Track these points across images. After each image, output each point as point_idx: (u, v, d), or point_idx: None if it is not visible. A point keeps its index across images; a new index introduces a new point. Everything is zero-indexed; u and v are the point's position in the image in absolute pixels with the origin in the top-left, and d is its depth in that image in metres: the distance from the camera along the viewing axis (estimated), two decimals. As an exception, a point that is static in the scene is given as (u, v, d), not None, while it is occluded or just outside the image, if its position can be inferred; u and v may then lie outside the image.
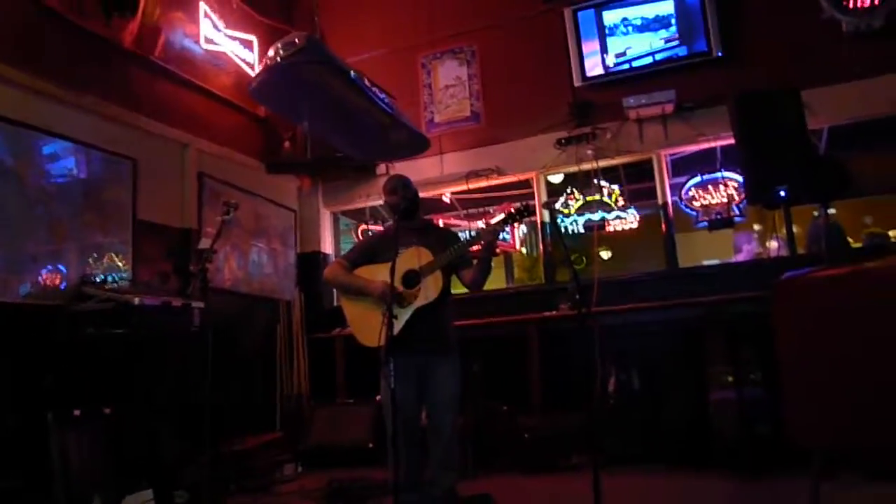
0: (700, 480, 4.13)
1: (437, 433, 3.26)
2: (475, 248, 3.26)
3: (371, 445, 5.24)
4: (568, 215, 6.09)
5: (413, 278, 3.17)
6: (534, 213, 3.33)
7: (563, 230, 6.07)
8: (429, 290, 3.15)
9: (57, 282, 4.07)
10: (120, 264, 4.57)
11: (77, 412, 3.73)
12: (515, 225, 6.77)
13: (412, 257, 3.20)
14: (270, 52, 3.98)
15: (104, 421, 3.85)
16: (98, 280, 4.17)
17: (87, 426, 3.78)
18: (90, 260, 4.36)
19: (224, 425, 4.98)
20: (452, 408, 3.28)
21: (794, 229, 4.75)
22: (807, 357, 2.21)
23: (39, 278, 3.98)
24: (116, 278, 4.42)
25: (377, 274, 3.25)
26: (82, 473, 3.67)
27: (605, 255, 8.59)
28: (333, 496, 4.26)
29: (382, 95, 4.25)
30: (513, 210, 3.13)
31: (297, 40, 3.76)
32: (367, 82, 4.05)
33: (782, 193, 3.75)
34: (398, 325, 3.00)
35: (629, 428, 4.85)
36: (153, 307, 3.82)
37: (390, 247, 3.16)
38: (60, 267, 4.13)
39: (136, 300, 3.74)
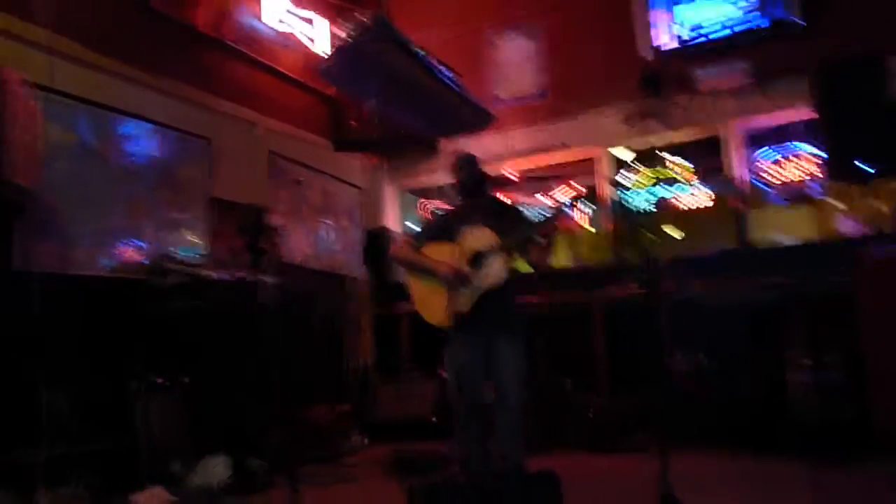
0: (774, 465, 4.01)
1: (504, 408, 3.26)
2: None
3: (434, 420, 5.32)
4: (636, 192, 5.97)
5: (479, 259, 3.16)
6: (591, 200, 3.28)
7: (630, 207, 5.95)
8: (494, 273, 3.13)
9: (137, 257, 4.27)
10: (195, 240, 4.75)
11: (159, 381, 3.95)
12: (580, 203, 6.66)
13: (478, 238, 3.19)
14: (341, 34, 4.02)
15: (183, 390, 4.06)
16: (176, 256, 4.36)
17: (167, 395, 3.99)
18: (168, 236, 4.54)
19: (295, 396, 5.16)
20: (518, 384, 3.27)
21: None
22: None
23: (121, 253, 4.18)
24: (193, 253, 4.62)
25: (443, 253, 3.25)
26: (163, 438, 3.89)
27: (677, 235, 8.36)
28: (399, 467, 4.34)
29: (448, 73, 4.23)
30: (577, 195, 3.10)
31: (365, 20, 3.79)
32: (433, 60, 4.04)
33: (866, 168, 3.56)
34: (465, 305, 3.01)
35: (698, 409, 4.74)
36: (228, 282, 3.97)
37: (456, 225, 3.17)
38: (139, 242, 4.33)
39: (214, 275, 3.89)
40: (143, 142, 4.43)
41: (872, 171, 3.61)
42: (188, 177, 4.73)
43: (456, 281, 2.86)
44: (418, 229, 3.71)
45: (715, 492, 3.53)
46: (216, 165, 4.92)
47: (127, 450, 3.69)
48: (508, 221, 3.29)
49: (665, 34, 5.67)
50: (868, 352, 2.12)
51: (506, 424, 3.25)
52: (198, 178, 4.81)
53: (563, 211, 3.12)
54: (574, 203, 3.13)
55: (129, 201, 4.27)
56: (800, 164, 5.30)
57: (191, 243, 4.70)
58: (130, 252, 4.28)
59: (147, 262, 4.29)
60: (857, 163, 3.67)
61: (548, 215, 3.16)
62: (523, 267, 3.51)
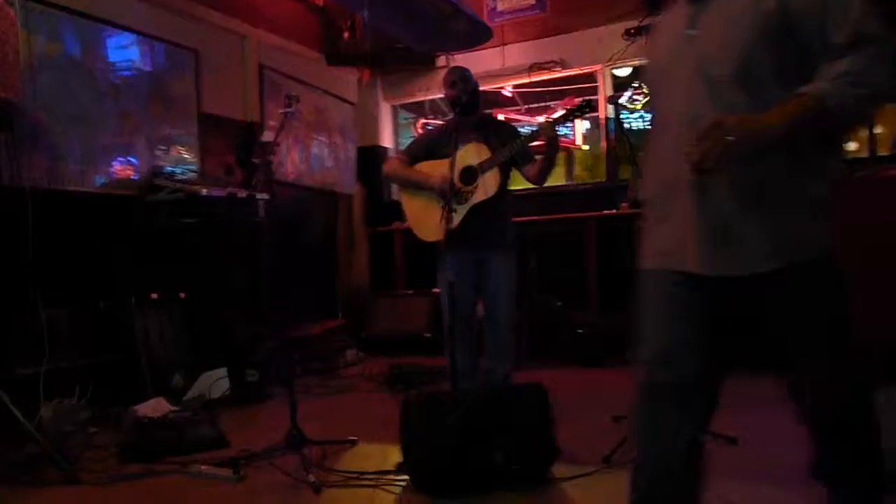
0: (751, 379, 4.12)
1: (493, 323, 3.33)
2: (537, 143, 3.20)
3: (428, 335, 5.44)
4: (634, 111, 5.88)
5: (471, 174, 3.16)
6: (595, 110, 3.21)
7: (627, 126, 5.88)
8: (487, 186, 3.14)
9: (129, 173, 4.23)
10: (187, 156, 4.70)
11: (155, 296, 4.00)
12: (577, 120, 6.57)
13: (471, 153, 3.18)
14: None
15: (179, 304, 4.13)
16: (168, 172, 4.32)
17: (164, 309, 4.06)
18: (158, 152, 4.49)
19: (290, 311, 5.25)
20: (508, 300, 3.33)
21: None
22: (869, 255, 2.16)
23: (112, 169, 4.14)
24: (184, 170, 4.58)
25: (436, 169, 3.24)
26: (162, 352, 3.98)
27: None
28: (394, 380, 4.49)
29: (443, -18, 4.08)
30: (574, 106, 3.04)
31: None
32: (427, -32, 3.89)
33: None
34: (456, 220, 3.01)
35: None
36: (220, 198, 3.96)
37: (449, 142, 3.13)
38: (131, 159, 4.28)
39: (204, 191, 3.87)
40: (130, 54, 4.29)
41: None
42: (178, 91, 4.62)
43: (448, 193, 2.84)
44: (411, 145, 3.67)
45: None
46: (205, 79, 4.80)
47: (127, 364, 3.78)
48: (502, 137, 3.27)
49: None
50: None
51: (494, 339, 3.34)
52: (188, 92, 4.70)
53: (556, 128, 3.07)
54: (576, 114, 3.08)
55: (119, 116, 4.19)
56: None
57: (183, 160, 4.65)
58: (121, 168, 4.23)
59: (137, 178, 4.27)
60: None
61: (541, 130, 3.12)
62: (518, 184, 3.50)
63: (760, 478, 2.52)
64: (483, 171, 3.13)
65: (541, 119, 6.64)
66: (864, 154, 4.54)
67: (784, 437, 2.96)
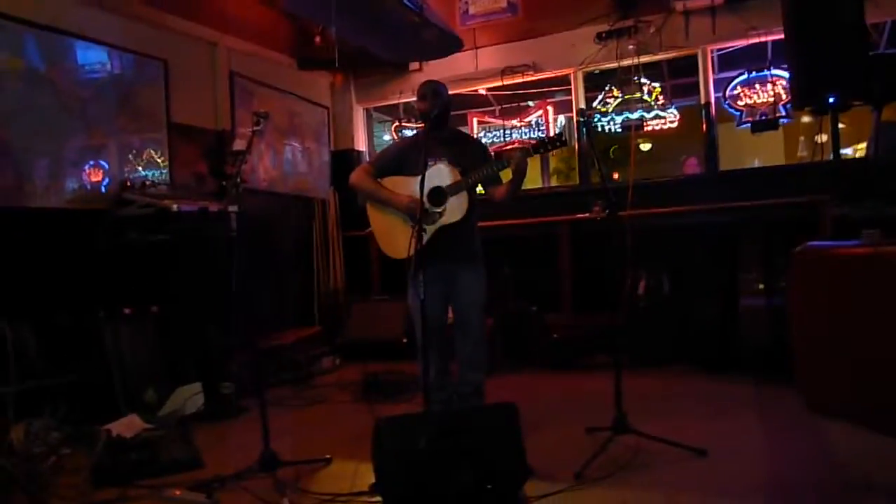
0: (724, 384, 4.23)
1: (465, 334, 3.36)
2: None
3: (405, 341, 5.45)
4: (606, 114, 5.93)
5: (440, 196, 3.16)
6: (567, 144, 3.25)
7: (600, 129, 5.93)
8: (454, 209, 3.15)
9: (100, 177, 4.17)
10: (159, 160, 4.65)
11: (127, 310, 3.97)
12: (552, 120, 6.61)
13: (440, 173, 3.18)
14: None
15: (152, 319, 4.09)
16: (137, 185, 4.28)
17: (136, 323, 4.02)
18: (130, 156, 4.43)
19: (265, 321, 5.24)
20: (478, 311, 3.36)
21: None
22: (817, 324, 2.25)
23: (83, 174, 4.08)
24: (156, 175, 4.53)
25: (403, 187, 3.25)
26: (135, 367, 3.94)
27: (645, 146, 8.38)
28: (369, 389, 4.50)
29: (413, -5, 4.06)
30: (548, 139, 3.08)
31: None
32: (395, -19, 3.87)
33: (831, 100, 3.56)
34: (423, 240, 3.02)
35: (658, 330, 4.94)
36: (191, 213, 3.93)
37: (417, 158, 3.13)
38: (102, 163, 4.22)
39: (175, 206, 3.84)
40: (97, 66, 4.23)
41: (836, 102, 3.61)
42: (147, 101, 4.56)
43: (416, 215, 2.84)
44: (379, 158, 3.65)
45: (666, 410, 3.73)
46: (175, 89, 4.75)
47: (100, 381, 3.75)
48: (472, 156, 3.28)
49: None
50: (792, 329, 2.31)
51: (466, 351, 3.37)
52: (157, 102, 4.65)
53: (528, 152, 3.09)
54: (548, 147, 3.12)
55: (87, 129, 4.13)
56: (771, 88, 5.28)
57: (155, 164, 4.60)
58: (93, 173, 4.17)
59: (107, 186, 4.21)
60: (823, 93, 3.66)
61: (512, 159, 3.14)
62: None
63: (731, 494, 2.56)
64: (451, 194, 3.15)
65: (514, 121, 6.67)
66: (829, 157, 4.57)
67: (755, 447, 3.05)
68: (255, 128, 3.16)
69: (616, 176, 7.96)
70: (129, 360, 3.93)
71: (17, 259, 3.46)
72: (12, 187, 3.65)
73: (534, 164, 8.98)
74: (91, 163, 4.17)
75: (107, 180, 4.25)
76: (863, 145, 5.48)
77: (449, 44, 5.09)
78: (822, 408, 2.30)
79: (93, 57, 4.19)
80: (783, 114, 5.23)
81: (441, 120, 3.35)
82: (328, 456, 3.12)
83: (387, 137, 7.32)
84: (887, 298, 2.03)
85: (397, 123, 7.00)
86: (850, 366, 2.16)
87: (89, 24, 4.14)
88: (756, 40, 5.29)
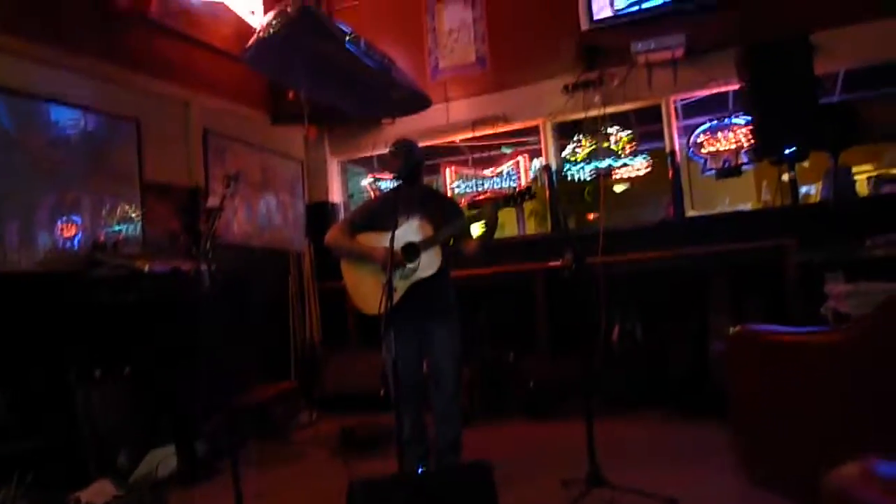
0: (697, 429, 4.26)
1: (440, 389, 3.38)
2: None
3: (382, 393, 5.42)
4: (576, 162, 6.08)
5: (413, 251, 3.22)
6: (535, 197, 3.35)
7: (570, 178, 6.06)
8: (427, 264, 3.21)
9: (73, 231, 4.17)
10: (133, 215, 4.64)
11: (98, 372, 3.92)
12: (525, 169, 6.74)
13: (414, 229, 3.24)
14: (263, 21, 3.91)
15: (125, 380, 4.04)
16: (110, 244, 4.27)
17: (108, 385, 3.97)
18: (103, 212, 4.43)
19: (241, 377, 5.19)
20: (453, 365, 3.39)
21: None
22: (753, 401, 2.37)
23: (56, 232, 4.07)
24: (130, 230, 4.53)
25: (376, 242, 3.30)
26: (107, 430, 3.88)
27: (619, 188, 8.53)
28: (346, 444, 4.46)
29: (379, 59, 4.17)
30: (518, 191, 3.18)
31: (289, 10, 3.68)
32: (363, 46, 3.97)
33: (788, 151, 3.71)
34: (396, 296, 3.06)
35: (631, 375, 4.98)
36: (163, 274, 3.92)
37: (391, 214, 3.20)
38: (75, 217, 4.22)
39: (146, 267, 3.84)
40: (67, 127, 4.26)
41: (794, 154, 3.75)
42: (119, 161, 4.59)
43: (390, 267, 2.89)
44: (353, 216, 3.72)
45: (640, 458, 3.75)
46: (148, 147, 4.78)
47: (70, 445, 3.68)
48: (443, 213, 3.35)
49: (604, 5, 5.65)
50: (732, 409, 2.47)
51: (442, 406, 3.38)
52: (129, 161, 4.67)
53: (499, 206, 3.18)
54: (517, 200, 3.21)
55: (58, 191, 4.14)
56: (733, 136, 5.46)
57: (129, 218, 4.60)
58: (65, 229, 4.15)
59: (79, 248, 4.20)
60: (782, 145, 3.81)
61: (482, 214, 3.23)
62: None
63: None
64: (424, 249, 3.20)
65: (488, 172, 6.79)
66: (788, 202, 4.71)
67: (726, 495, 3.08)
68: (226, 190, 3.20)
69: (591, 217, 8.08)
70: (101, 422, 3.87)
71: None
72: (-18, 252, 3.63)
73: (510, 212, 9.09)
74: (63, 218, 4.16)
75: (80, 235, 4.24)
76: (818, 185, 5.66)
77: (418, 102, 5.22)
78: (762, 482, 2.39)
79: (65, 118, 4.22)
80: (745, 161, 5.39)
81: (413, 177, 3.43)
82: (303, 519, 3.08)
83: (365, 182, 7.36)
84: (811, 382, 2.15)
85: (373, 175, 7.09)
86: (779, 443, 2.27)
87: (60, 87, 4.18)
88: (717, 90, 5.49)
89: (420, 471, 3.31)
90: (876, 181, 5.54)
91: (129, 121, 4.67)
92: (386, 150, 3.62)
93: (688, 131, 5.82)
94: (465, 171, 6.89)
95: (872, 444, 1.82)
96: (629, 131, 6.10)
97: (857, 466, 1.27)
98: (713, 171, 5.53)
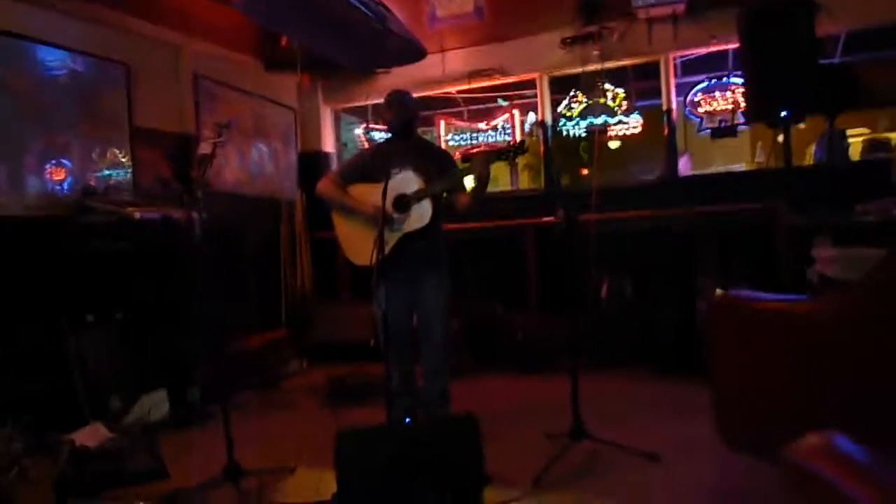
0: (681, 387, 4.34)
1: (428, 341, 3.42)
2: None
3: (373, 343, 5.48)
4: (571, 118, 6.02)
5: (405, 203, 3.21)
6: (527, 151, 3.32)
7: (565, 133, 6.02)
8: (417, 217, 3.20)
9: (62, 176, 4.13)
10: (123, 160, 4.60)
11: (90, 318, 3.94)
12: (518, 123, 6.69)
13: (406, 180, 3.23)
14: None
15: (116, 326, 4.07)
16: (100, 190, 4.25)
17: (100, 331, 4.00)
18: (93, 156, 4.38)
19: (232, 325, 5.22)
20: (442, 317, 3.42)
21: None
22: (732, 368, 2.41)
23: (45, 176, 4.04)
24: (120, 175, 4.49)
25: (369, 195, 3.29)
26: (99, 375, 3.93)
27: (613, 144, 8.48)
28: (335, 394, 4.53)
29: (374, 6, 4.08)
30: (510, 145, 3.16)
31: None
32: (357, -11, 3.88)
33: (783, 114, 3.68)
34: (387, 248, 3.08)
35: (619, 333, 5.04)
36: (154, 220, 3.91)
37: (383, 166, 3.19)
38: (64, 161, 4.17)
39: (137, 214, 3.82)
40: (57, 71, 4.18)
41: (789, 117, 3.73)
42: (109, 106, 4.51)
43: (381, 225, 2.89)
44: (345, 166, 3.69)
45: (623, 414, 3.84)
46: (138, 92, 4.70)
47: (63, 389, 3.73)
48: (436, 166, 3.33)
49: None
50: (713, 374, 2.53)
51: (431, 357, 3.43)
52: (119, 106, 4.60)
53: (491, 159, 3.16)
54: (510, 155, 3.18)
55: (46, 134, 4.08)
56: (730, 95, 5.41)
57: (119, 163, 4.56)
58: (55, 173, 4.12)
59: (69, 192, 4.17)
60: (776, 108, 3.78)
61: (474, 166, 3.21)
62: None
63: (683, 499, 2.66)
64: (415, 201, 3.20)
65: (482, 125, 6.73)
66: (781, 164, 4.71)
67: (707, 452, 3.16)
68: (217, 139, 3.17)
69: (585, 172, 8.06)
70: (93, 367, 3.91)
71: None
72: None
73: (503, 166, 9.04)
74: (53, 162, 4.12)
75: (69, 179, 4.20)
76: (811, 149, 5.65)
77: (413, 53, 5.12)
78: (735, 445, 2.48)
79: (52, 60, 4.14)
80: (742, 121, 5.36)
81: (407, 129, 3.40)
82: (292, 465, 3.16)
83: (358, 131, 7.29)
84: (790, 351, 2.20)
85: (366, 125, 7.01)
86: (756, 411, 2.34)
87: (48, 29, 4.08)
88: (716, 48, 5.41)
89: (408, 422, 3.38)
90: (869, 146, 5.53)
91: (118, 64, 4.58)
92: (380, 100, 3.58)
93: (685, 89, 5.76)
94: (460, 123, 6.82)
95: (850, 417, 1.88)
96: (625, 89, 6.03)
97: (815, 440, 1.31)
98: (708, 131, 5.50)
